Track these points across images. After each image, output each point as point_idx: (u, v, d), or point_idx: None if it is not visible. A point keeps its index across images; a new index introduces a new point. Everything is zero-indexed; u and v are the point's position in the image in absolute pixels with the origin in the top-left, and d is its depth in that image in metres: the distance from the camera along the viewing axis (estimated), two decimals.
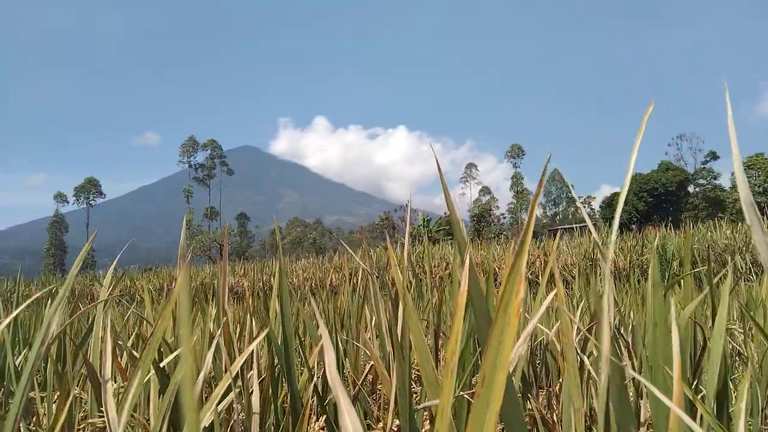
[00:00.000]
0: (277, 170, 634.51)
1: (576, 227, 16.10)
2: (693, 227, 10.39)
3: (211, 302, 2.44)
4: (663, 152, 66.08)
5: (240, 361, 1.11)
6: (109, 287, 1.34)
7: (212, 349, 0.88)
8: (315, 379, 1.16)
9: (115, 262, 1.34)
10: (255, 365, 1.00)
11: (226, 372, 1.31)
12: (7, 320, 0.80)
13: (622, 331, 1.37)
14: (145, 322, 2.27)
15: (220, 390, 0.68)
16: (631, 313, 2.09)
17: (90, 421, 0.96)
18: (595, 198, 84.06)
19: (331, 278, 11.22)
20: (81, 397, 1.47)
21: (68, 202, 73.43)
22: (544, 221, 79.96)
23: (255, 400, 0.94)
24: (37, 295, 1.09)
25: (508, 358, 0.47)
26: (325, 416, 1.13)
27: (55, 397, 1.43)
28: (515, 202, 77.59)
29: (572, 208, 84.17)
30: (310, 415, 1.06)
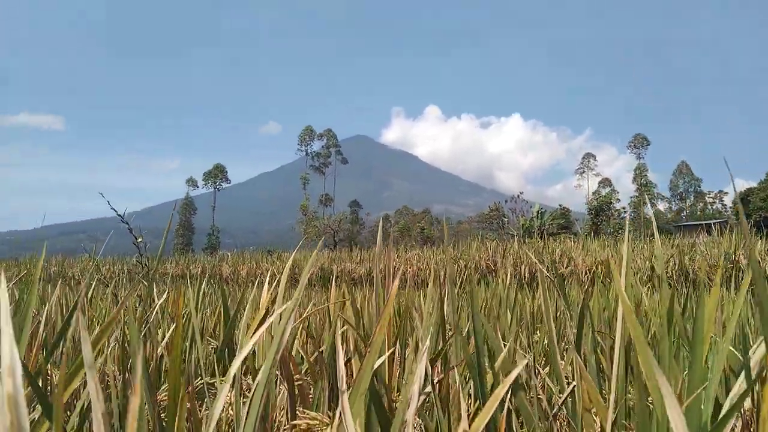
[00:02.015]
0: (387, 159, 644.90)
1: (714, 224, 14.69)
2: None
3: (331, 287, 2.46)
4: None
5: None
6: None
7: (423, 361, 0.85)
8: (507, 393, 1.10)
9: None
10: (458, 378, 0.96)
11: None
12: (256, 336, 0.82)
13: None
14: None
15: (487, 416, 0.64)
16: None
17: (305, 421, 0.97)
18: (727, 193, 76.26)
19: (445, 270, 11.14)
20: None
21: (198, 186, 79.97)
22: (669, 216, 74.07)
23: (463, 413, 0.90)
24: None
25: None
26: None
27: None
28: (637, 195, 72.76)
29: (701, 204, 77.22)
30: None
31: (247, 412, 0.74)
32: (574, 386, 0.95)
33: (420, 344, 1.38)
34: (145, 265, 5.24)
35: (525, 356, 1.68)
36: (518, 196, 35.24)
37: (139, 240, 5.25)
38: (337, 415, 0.78)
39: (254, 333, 0.78)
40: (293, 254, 1.73)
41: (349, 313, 1.44)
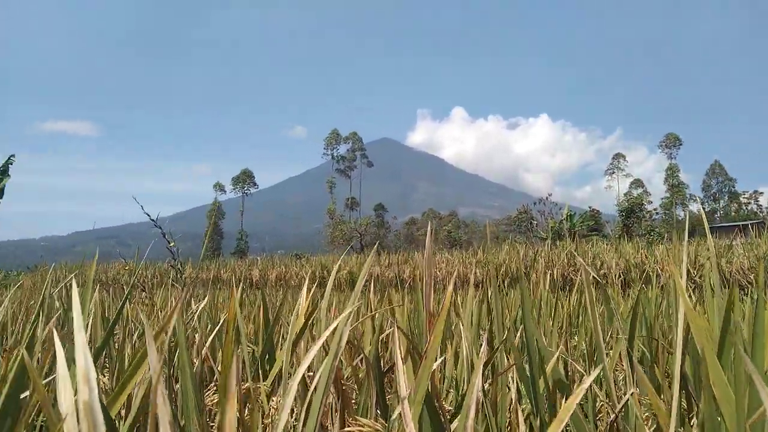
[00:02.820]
0: (413, 162, 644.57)
1: (750, 224, 14.26)
2: None
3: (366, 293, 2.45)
4: None
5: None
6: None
7: (479, 374, 0.84)
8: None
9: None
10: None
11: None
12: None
13: None
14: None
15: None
16: None
17: (356, 427, 0.97)
18: (762, 193, 74.36)
19: (475, 273, 11.08)
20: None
21: (225, 192, 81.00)
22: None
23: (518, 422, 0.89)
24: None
25: None
26: None
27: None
28: (669, 196, 71.23)
29: (735, 204, 75.18)
30: None
31: (305, 418, 0.74)
32: (632, 393, 0.92)
33: (467, 352, 1.36)
34: (179, 269, 5.29)
35: (566, 358, 1.65)
36: (547, 197, 34.67)
37: (172, 245, 5.31)
38: (394, 423, 0.78)
39: (318, 339, 0.78)
40: (340, 259, 1.73)
41: (398, 317, 1.43)
